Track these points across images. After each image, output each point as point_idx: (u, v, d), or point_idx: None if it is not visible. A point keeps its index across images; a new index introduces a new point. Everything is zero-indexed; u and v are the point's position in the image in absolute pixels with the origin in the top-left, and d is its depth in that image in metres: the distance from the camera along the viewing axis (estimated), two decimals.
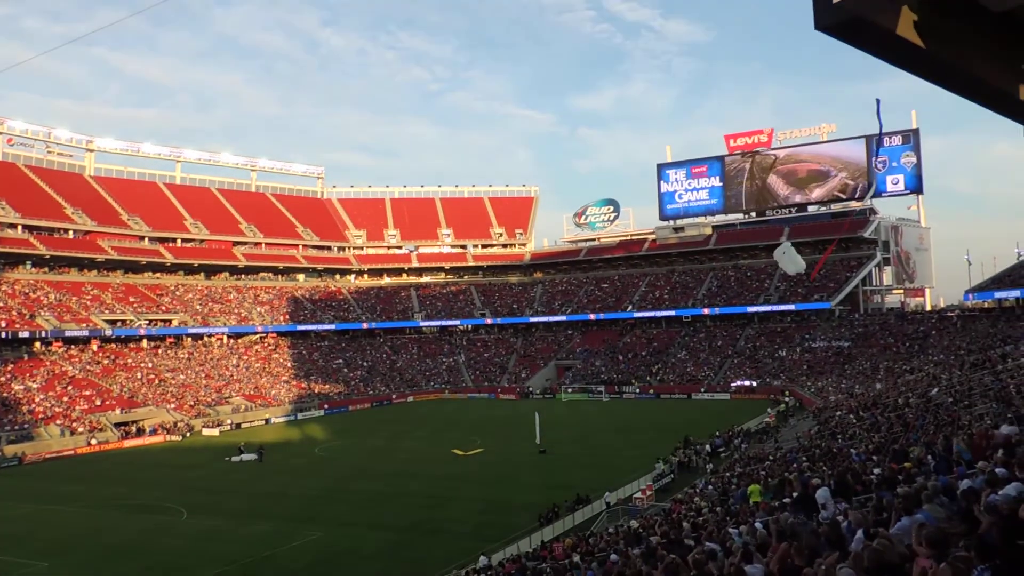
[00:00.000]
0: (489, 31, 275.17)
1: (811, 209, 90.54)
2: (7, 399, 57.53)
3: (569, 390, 76.58)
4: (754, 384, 68.18)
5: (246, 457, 46.54)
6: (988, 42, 3.95)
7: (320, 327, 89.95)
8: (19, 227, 76.29)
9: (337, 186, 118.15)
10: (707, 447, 42.38)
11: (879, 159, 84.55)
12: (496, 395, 79.23)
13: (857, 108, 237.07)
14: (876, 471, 15.21)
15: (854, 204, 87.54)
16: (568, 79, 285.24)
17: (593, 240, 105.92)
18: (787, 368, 70.04)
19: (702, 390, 70.29)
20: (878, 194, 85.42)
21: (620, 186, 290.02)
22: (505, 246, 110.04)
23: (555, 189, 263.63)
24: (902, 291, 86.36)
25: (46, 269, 77.11)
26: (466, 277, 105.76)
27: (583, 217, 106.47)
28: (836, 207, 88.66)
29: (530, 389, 79.34)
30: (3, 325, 64.07)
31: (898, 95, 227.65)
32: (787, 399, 58.61)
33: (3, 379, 60.39)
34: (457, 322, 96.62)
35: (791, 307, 78.02)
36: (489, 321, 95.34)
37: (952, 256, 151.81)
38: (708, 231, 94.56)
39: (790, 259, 58.55)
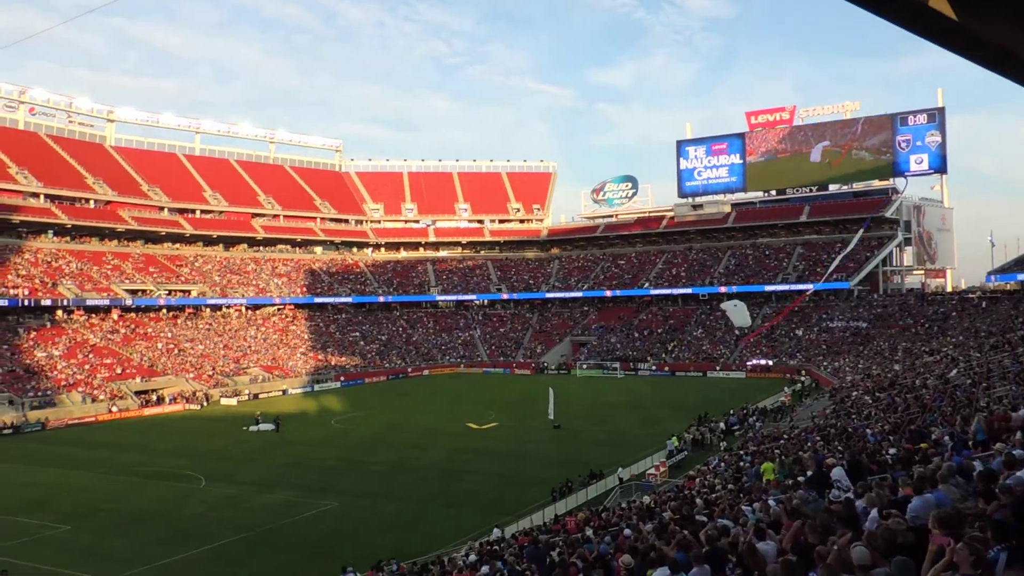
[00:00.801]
0: (508, 5, 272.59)
1: (832, 188, 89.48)
2: (30, 366, 58.51)
3: (584, 366, 76.71)
4: (770, 363, 67.96)
5: (263, 427, 47.14)
6: (1020, 13, 3.85)
7: (337, 300, 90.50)
8: (41, 196, 76.95)
9: (355, 159, 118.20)
10: (721, 425, 42.39)
11: (902, 137, 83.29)
12: (511, 370, 79.53)
13: (880, 85, 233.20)
14: (892, 451, 15.17)
15: (876, 183, 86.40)
16: (587, 54, 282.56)
17: (611, 216, 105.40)
18: (804, 348, 69.71)
19: (717, 368, 70.16)
20: (901, 173, 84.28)
21: (639, 162, 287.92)
22: (522, 221, 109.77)
23: (573, 165, 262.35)
24: (923, 272, 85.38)
25: (68, 238, 77.85)
26: (483, 252, 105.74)
27: (601, 193, 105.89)
28: (858, 186, 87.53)
29: (545, 364, 79.56)
30: (26, 293, 64.92)
31: (922, 73, 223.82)
32: (803, 379, 58.40)
33: (26, 346, 61.40)
34: (473, 297, 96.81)
35: (809, 286, 77.43)
36: (505, 296, 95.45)
37: (975, 237, 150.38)
38: (727, 209, 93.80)
39: (739, 314, 58.97)
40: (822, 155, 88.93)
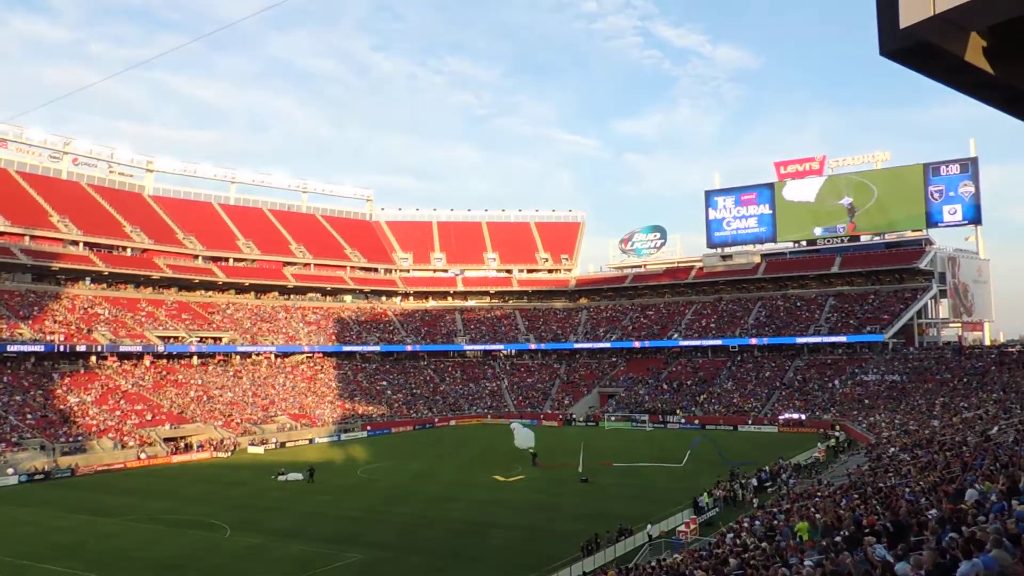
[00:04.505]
0: (536, 57, 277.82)
1: (864, 238, 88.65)
2: (63, 411, 59.24)
3: (612, 418, 75.76)
4: (803, 417, 66.56)
5: (292, 477, 46.99)
6: None
7: (365, 348, 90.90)
8: (80, 244, 78.81)
9: (385, 208, 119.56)
10: (753, 481, 41.38)
11: (935, 188, 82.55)
12: (539, 421, 78.82)
13: (910, 135, 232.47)
14: (932, 512, 14.65)
15: (909, 234, 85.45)
16: (613, 104, 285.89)
17: (639, 267, 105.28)
18: (838, 402, 68.24)
19: (749, 422, 68.85)
20: (934, 224, 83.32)
21: (666, 212, 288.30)
22: (550, 271, 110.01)
23: (600, 214, 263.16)
24: (960, 324, 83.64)
25: (104, 285, 79.38)
26: (511, 302, 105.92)
27: (629, 243, 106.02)
28: (890, 236, 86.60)
29: (573, 416, 78.75)
30: (61, 339, 66.06)
31: (953, 122, 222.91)
32: (837, 434, 57.03)
33: (60, 391, 62.26)
34: (501, 346, 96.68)
35: (842, 339, 76.19)
36: (533, 346, 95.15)
37: (1013, 289, 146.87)
38: (757, 259, 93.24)
39: (521, 437, 59.76)
40: (852, 205, 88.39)
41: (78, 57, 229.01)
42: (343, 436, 69.31)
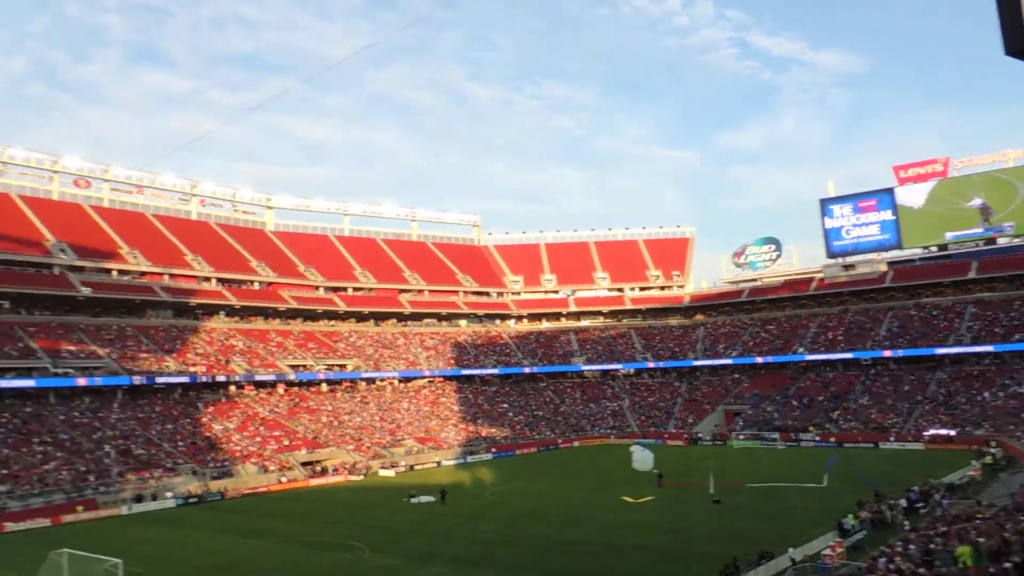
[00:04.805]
0: (630, 75, 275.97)
1: (1001, 241, 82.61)
2: (209, 438, 62.91)
3: (740, 436, 73.35)
4: (952, 433, 62.21)
5: (423, 499, 47.97)
6: None
7: (483, 371, 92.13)
8: (213, 280, 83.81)
9: (492, 233, 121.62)
10: (902, 502, 38.93)
11: None
12: (663, 441, 77.24)
13: None
14: None
15: None
16: (714, 118, 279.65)
17: (755, 280, 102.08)
18: (990, 416, 63.42)
19: (891, 439, 64.96)
20: None
21: (779, 224, 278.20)
22: (663, 288, 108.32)
23: (708, 229, 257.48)
24: None
25: (237, 318, 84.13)
26: (625, 320, 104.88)
27: (743, 257, 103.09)
28: None
29: (699, 435, 76.81)
30: (203, 370, 70.32)
31: None
32: (994, 450, 52.93)
33: (205, 419, 66.19)
34: (619, 366, 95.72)
35: (989, 348, 70.99)
36: (651, 365, 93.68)
37: None
38: (883, 268, 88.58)
39: (640, 459, 56.81)
40: (985, 205, 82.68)
41: (198, 105, 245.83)
42: (469, 458, 70.27)
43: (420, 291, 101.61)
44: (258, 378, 73.97)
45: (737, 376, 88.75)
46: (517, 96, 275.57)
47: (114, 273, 76.00)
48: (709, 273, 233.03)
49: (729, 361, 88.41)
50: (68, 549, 30.00)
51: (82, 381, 61.09)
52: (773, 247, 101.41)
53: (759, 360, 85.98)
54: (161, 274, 79.33)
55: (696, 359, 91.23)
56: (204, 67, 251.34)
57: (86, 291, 69.67)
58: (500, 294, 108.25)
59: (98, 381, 62.27)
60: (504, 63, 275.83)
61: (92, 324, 70.68)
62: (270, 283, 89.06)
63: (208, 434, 63.69)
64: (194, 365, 70.57)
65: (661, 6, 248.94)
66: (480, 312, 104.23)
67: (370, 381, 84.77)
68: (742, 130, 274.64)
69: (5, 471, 49.19)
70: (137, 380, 64.42)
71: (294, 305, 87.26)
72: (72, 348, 65.04)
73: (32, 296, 67.94)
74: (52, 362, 61.50)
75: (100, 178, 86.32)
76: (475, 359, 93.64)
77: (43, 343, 63.73)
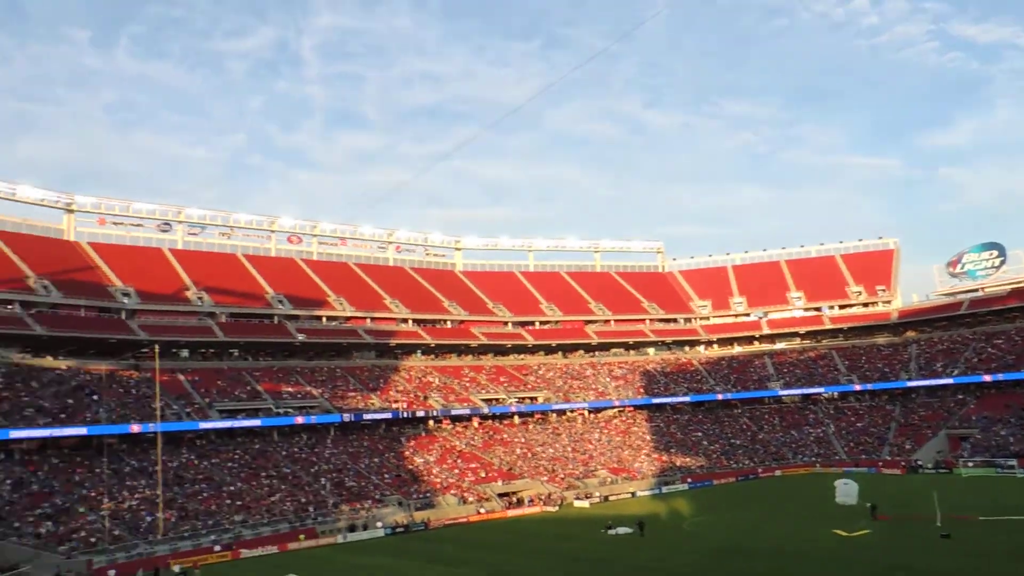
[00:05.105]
0: (814, 83, 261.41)
1: None
2: (412, 471, 66.24)
3: (970, 464, 65.85)
4: None
5: (621, 531, 47.33)
6: None
7: (674, 399, 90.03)
8: (409, 321, 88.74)
9: (677, 258, 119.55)
10: None
11: None
12: (877, 469, 71.08)
13: None
14: None
15: None
16: (915, 118, 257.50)
17: (975, 290, 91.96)
18: None
19: None
20: None
21: (999, 227, 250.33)
22: (865, 305, 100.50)
23: (913, 239, 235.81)
24: None
25: (432, 356, 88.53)
26: (824, 341, 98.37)
27: (958, 266, 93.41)
28: None
29: (918, 462, 69.90)
30: (404, 406, 74.40)
31: None
32: None
33: (408, 453, 69.82)
34: (820, 389, 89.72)
35: None
36: (857, 387, 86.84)
37: None
38: None
39: (843, 492, 49.04)
40: None
41: (391, 158, 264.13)
42: (664, 489, 68.58)
43: (606, 321, 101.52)
44: (454, 412, 77.08)
45: (961, 397, 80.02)
46: (695, 118, 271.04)
47: (323, 319, 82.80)
48: (917, 286, 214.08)
49: (950, 381, 79.97)
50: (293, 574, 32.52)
51: (300, 419, 66.77)
52: (995, 253, 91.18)
53: (987, 378, 77.11)
54: (364, 318, 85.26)
55: (910, 379, 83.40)
56: (395, 123, 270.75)
57: (301, 337, 76.36)
58: (688, 320, 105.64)
59: (313, 419, 67.83)
60: (680, 87, 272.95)
61: (307, 367, 77.29)
62: (461, 321, 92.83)
63: (411, 467, 67.07)
64: (396, 402, 74.86)
65: (846, 7, 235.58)
66: (668, 339, 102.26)
67: (560, 412, 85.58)
68: (949, 128, 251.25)
69: (239, 502, 54.54)
70: (347, 417, 69.46)
71: (484, 341, 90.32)
72: (290, 389, 71.40)
73: (257, 344, 75.68)
74: (274, 403, 67.79)
75: (309, 233, 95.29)
76: (665, 387, 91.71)
77: (266, 386, 70.51)
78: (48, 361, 62.12)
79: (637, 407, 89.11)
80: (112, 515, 47.62)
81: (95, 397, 58.84)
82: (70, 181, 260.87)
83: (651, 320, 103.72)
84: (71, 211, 78.73)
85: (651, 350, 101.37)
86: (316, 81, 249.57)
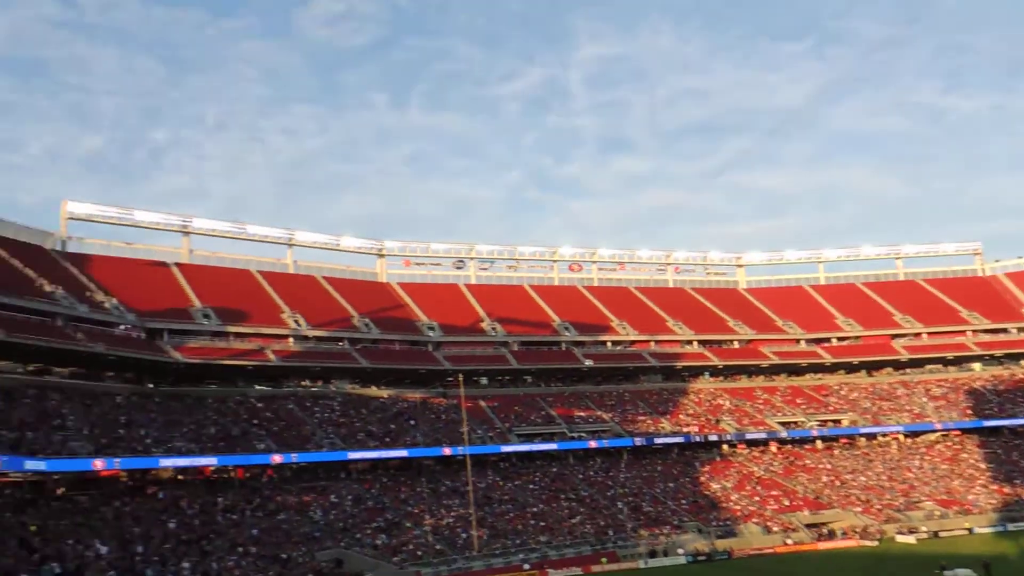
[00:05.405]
0: None
1: None
2: (708, 496, 64.08)
3: None
4: None
5: (961, 572, 41.23)
6: None
7: (1013, 421, 77.22)
8: (694, 343, 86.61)
9: (1000, 260, 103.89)
10: None
11: None
12: None
13: None
14: None
15: None
16: None
17: None
18: None
19: None
20: None
21: None
22: None
23: None
24: None
25: (721, 378, 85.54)
26: None
27: None
28: None
29: None
30: (695, 430, 72.51)
31: None
32: None
33: (703, 478, 67.73)
34: None
35: None
36: None
37: None
38: None
39: None
40: None
41: (663, 179, 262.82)
42: (1009, 526, 58.84)
43: (916, 334, 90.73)
44: (749, 436, 73.48)
45: None
46: (1008, 98, 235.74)
47: (608, 344, 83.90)
48: None
49: None
50: None
51: (593, 443, 68.01)
52: None
53: None
54: (647, 341, 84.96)
55: None
56: (663, 143, 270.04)
57: (588, 362, 78.04)
58: (1021, 330, 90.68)
59: (606, 443, 68.78)
60: (985, 65, 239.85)
61: (595, 392, 78.75)
62: (749, 340, 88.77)
63: (707, 492, 64.86)
64: (687, 426, 73.27)
65: None
66: (997, 353, 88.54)
67: (870, 436, 77.66)
68: None
69: (543, 523, 56.54)
70: (638, 441, 69.40)
71: (776, 360, 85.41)
72: (582, 414, 73.08)
73: (548, 370, 78.86)
74: (567, 427, 69.85)
75: (588, 260, 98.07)
76: (999, 408, 79.23)
77: (559, 410, 72.94)
78: (372, 391, 70.03)
79: (965, 430, 77.88)
80: (433, 530, 51.89)
81: (412, 422, 65.04)
82: (379, 228, 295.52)
83: (973, 331, 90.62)
84: (382, 255, 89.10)
85: (976, 365, 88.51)
86: (584, 112, 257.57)
